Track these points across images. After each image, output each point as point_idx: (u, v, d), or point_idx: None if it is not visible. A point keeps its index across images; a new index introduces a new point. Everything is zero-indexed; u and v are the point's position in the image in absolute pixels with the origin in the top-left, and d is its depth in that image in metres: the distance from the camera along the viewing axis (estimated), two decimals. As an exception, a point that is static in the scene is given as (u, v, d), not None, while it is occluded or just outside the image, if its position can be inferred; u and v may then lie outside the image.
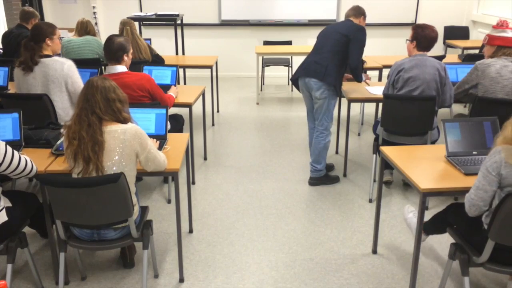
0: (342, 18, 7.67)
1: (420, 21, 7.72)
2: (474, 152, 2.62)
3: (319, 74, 3.64)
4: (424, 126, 3.44)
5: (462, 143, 2.64)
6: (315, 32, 7.68)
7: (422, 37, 3.42)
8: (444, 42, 7.45)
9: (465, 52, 6.37)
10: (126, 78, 3.19)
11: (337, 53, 3.67)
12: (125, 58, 3.22)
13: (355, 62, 3.69)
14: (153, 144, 2.43)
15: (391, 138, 3.56)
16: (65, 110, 3.30)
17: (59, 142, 2.66)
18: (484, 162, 2.05)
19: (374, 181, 3.78)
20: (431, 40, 3.43)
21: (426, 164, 2.57)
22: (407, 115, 3.41)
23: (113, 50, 3.16)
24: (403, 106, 3.41)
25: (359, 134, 5.30)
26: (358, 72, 3.79)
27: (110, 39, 3.20)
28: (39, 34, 3.26)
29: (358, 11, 3.84)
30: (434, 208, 3.55)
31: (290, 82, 7.54)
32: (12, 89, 4.01)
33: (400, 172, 2.56)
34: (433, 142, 3.52)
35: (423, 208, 2.36)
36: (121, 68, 3.21)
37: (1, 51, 5.18)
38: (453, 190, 2.34)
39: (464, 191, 2.22)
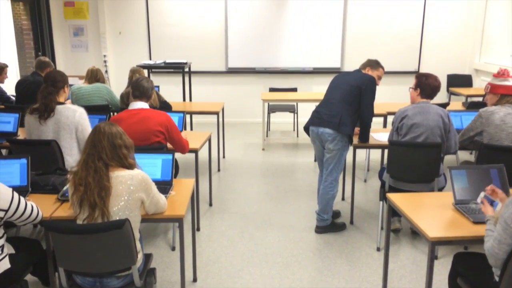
0: (346, 66, 7.92)
1: (423, 69, 7.87)
2: (482, 200, 2.59)
3: (333, 125, 3.62)
4: (431, 173, 3.42)
5: (470, 191, 2.62)
6: (320, 80, 7.94)
7: (426, 85, 3.48)
8: (447, 90, 7.55)
9: (469, 99, 6.43)
10: (149, 112, 3.40)
11: (350, 103, 3.67)
12: (152, 97, 3.51)
13: (367, 111, 3.70)
14: (156, 189, 2.44)
15: (398, 185, 3.54)
16: (73, 157, 3.34)
17: (65, 188, 2.67)
18: (502, 214, 2.01)
19: (382, 228, 3.73)
20: (434, 89, 3.49)
21: (434, 212, 2.54)
22: (413, 161, 3.41)
23: (144, 87, 3.43)
24: (408, 152, 3.42)
25: (365, 181, 5.28)
26: (368, 124, 3.80)
27: (143, 78, 3.51)
28: (60, 81, 3.37)
29: (363, 64, 3.93)
30: (444, 258, 3.47)
31: (296, 128, 7.61)
32: (21, 135, 4.07)
33: (407, 220, 2.53)
34: (440, 189, 3.49)
35: (432, 257, 2.31)
36: (145, 105, 3.44)
37: (14, 98, 5.30)
38: (462, 239, 2.30)
39: (473, 240, 2.18)
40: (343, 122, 3.61)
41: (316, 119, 3.77)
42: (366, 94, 3.67)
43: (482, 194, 2.42)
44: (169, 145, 3.56)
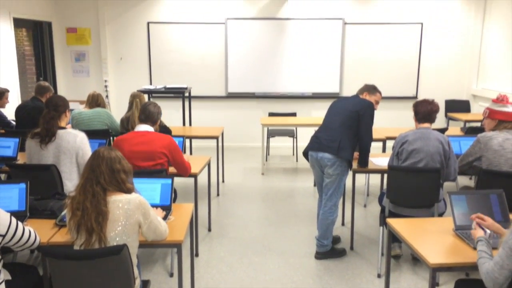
0: (345, 91, 7.99)
1: (421, 94, 7.94)
2: (482, 226, 2.57)
3: (333, 149, 3.63)
4: (430, 198, 3.41)
5: (470, 216, 2.60)
6: (319, 105, 8.00)
7: (419, 110, 3.55)
8: (446, 115, 7.60)
9: (467, 124, 6.47)
10: (153, 135, 3.47)
11: (349, 128, 3.69)
12: (157, 122, 3.58)
13: (366, 136, 3.72)
14: (155, 214, 2.42)
15: (398, 210, 3.53)
16: (72, 181, 3.33)
17: (63, 213, 2.66)
18: (506, 239, 1.99)
19: (382, 254, 3.69)
20: (427, 112, 3.52)
21: (434, 238, 2.52)
22: (413, 187, 3.40)
23: (150, 112, 3.53)
24: (408, 177, 3.41)
25: (365, 206, 5.26)
26: (367, 149, 3.82)
27: (151, 103, 3.60)
28: (62, 105, 3.41)
29: (360, 89, 3.98)
30: (445, 284, 3.43)
31: (295, 153, 7.62)
32: (21, 159, 4.08)
33: (408, 246, 2.51)
34: (440, 215, 3.47)
35: (433, 284, 2.28)
36: (150, 129, 3.51)
37: (14, 122, 5.32)
38: (464, 265, 2.27)
39: (475, 266, 2.16)
40: (342, 147, 3.62)
41: (316, 144, 3.78)
42: (364, 119, 3.70)
43: (474, 222, 2.42)
44: (171, 168, 3.58)
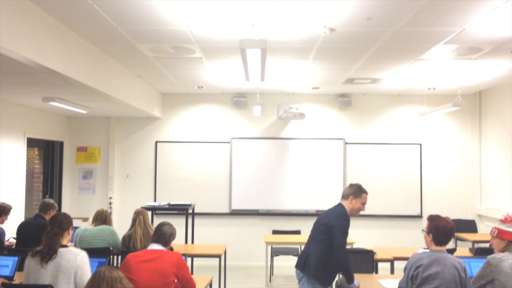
0: (349, 209, 7.96)
1: (426, 213, 7.89)
2: None
3: (300, 265, 3.54)
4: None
5: None
6: (323, 223, 7.90)
7: (438, 231, 3.28)
8: (453, 235, 7.47)
9: (475, 245, 6.34)
10: (165, 254, 3.43)
11: (318, 242, 3.57)
12: (169, 244, 3.56)
13: (337, 250, 3.51)
14: None
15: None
16: (67, 303, 3.19)
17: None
18: None
19: None
20: (448, 234, 3.29)
21: None
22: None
23: (165, 233, 3.51)
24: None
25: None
26: (344, 265, 3.53)
27: (166, 223, 3.60)
28: (67, 222, 3.41)
29: (345, 192, 3.79)
30: None
31: (300, 273, 7.34)
32: (18, 279, 3.95)
33: None
34: None
35: None
36: (160, 248, 3.48)
37: (14, 240, 5.24)
38: None
39: None
40: (308, 263, 3.51)
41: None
42: (334, 232, 3.52)
43: None
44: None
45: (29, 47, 3.61)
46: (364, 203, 3.79)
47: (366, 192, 3.80)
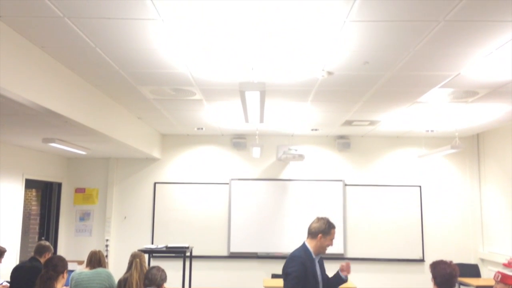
0: (349, 252, 7.83)
1: (428, 257, 7.74)
2: None
3: None
4: None
5: None
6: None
7: (437, 275, 3.26)
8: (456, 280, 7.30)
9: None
10: None
11: None
12: (163, 286, 3.71)
13: None
14: None
15: None
16: None
17: None
18: None
19: None
20: (447, 277, 3.22)
21: None
22: None
23: (157, 275, 3.64)
24: None
25: None
26: None
27: (156, 267, 3.74)
28: (61, 266, 3.38)
29: (313, 230, 3.51)
30: None
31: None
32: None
33: None
34: None
35: None
36: None
37: (8, 284, 5.11)
38: None
39: None
40: None
41: None
42: (287, 281, 3.29)
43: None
44: None
45: (32, 89, 3.66)
46: (332, 239, 3.48)
47: (334, 227, 3.48)
